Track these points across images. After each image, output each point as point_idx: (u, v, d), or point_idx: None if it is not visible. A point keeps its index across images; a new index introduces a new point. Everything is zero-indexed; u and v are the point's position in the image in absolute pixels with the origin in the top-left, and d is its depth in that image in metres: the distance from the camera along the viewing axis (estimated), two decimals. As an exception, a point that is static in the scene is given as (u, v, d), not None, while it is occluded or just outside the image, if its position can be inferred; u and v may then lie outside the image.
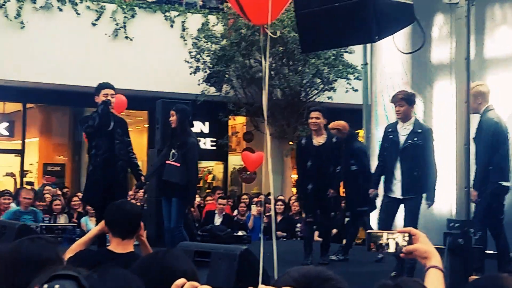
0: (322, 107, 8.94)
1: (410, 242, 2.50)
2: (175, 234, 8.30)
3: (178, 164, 8.31)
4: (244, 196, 14.65)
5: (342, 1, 6.20)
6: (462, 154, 6.30)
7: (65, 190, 15.08)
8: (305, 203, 8.83)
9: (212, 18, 16.51)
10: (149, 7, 16.48)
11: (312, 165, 8.31)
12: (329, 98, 15.52)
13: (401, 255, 2.53)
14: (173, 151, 8.40)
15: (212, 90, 15.99)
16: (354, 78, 15.11)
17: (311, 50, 7.84)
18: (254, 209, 13.58)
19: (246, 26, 14.85)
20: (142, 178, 8.48)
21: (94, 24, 15.84)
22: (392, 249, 2.53)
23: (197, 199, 13.96)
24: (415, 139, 7.32)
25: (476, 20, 9.02)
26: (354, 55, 14.58)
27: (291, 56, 15.06)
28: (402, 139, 7.37)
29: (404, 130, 7.40)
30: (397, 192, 7.34)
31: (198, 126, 18.15)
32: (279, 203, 13.70)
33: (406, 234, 2.51)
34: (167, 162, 8.42)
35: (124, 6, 16.13)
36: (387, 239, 2.54)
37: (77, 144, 18.70)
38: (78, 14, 15.70)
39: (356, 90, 14.38)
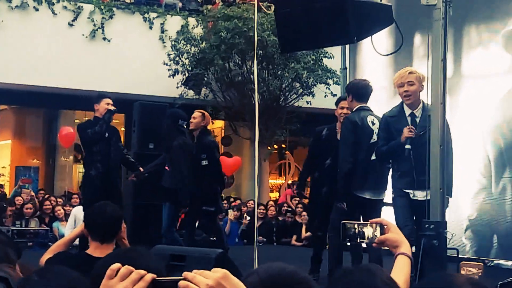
0: None
1: (382, 232, 2.61)
2: (167, 237, 8.36)
3: (168, 168, 8.48)
4: (223, 201, 14.54)
5: (321, 2, 6.15)
6: (437, 155, 6.28)
7: (41, 193, 14.82)
8: (315, 210, 7.62)
9: (192, 21, 16.37)
10: (127, 8, 16.30)
11: (333, 163, 7.15)
12: (308, 103, 15.46)
13: (374, 244, 2.63)
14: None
15: (191, 93, 15.86)
16: (333, 83, 15.05)
17: (290, 51, 7.76)
18: (231, 214, 13.49)
19: (226, 29, 14.75)
20: (141, 168, 8.70)
21: (71, 25, 15.63)
22: (365, 239, 2.64)
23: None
24: None
25: (453, 41, 9.16)
26: (334, 60, 14.53)
27: (271, 60, 14.97)
28: None
29: None
30: None
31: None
32: (261, 207, 13.66)
33: (378, 225, 2.62)
34: (166, 167, 8.59)
35: (102, 7, 15.94)
36: (361, 230, 2.64)
37: (51, 147, 18.44)
38: (55, 14, 15.49)
39: (335, 95, 14.29)
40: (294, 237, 12.85)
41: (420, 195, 6.37)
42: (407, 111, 6.43)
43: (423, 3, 6.51)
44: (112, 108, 8.01)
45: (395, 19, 6.37)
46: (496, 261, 9.00)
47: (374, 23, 6.29)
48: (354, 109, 6.92)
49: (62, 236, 10.52)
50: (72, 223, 10.97)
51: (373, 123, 6.83)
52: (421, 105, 6.44)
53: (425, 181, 6.19)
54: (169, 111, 8.91)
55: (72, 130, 14.34)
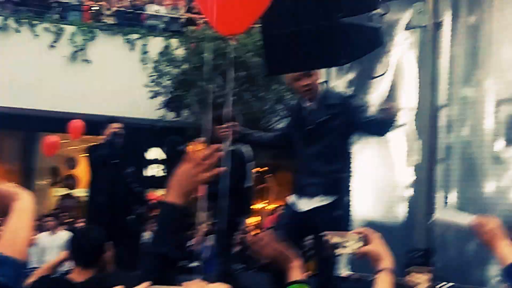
0: None
1: (365, 243, 2.51)
2: None
3: None
4: (203, 225, 14.33)
5: (310, 24, 6.06)
6: (425, 179, 6.20)
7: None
8: None
9: (174, 42, 16.28)
10: (109, 29, 16.19)
11: None
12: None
13: (356, 257, 2.54)
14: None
15: (172, 115, 15.71)
16: (317, 105, 14.97)
17: (276, 73, 7.66)
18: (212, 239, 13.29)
19: (208, 50, 14.63)
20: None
21: (52, 46, 15.49)
22: (348, 250, 2.54)
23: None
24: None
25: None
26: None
27: (254, 81, 14.87)
28: None
29: None
30: None
31: (157, 152, 17.82)
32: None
33: (361, 235, 2.52)
34: None
35: (84, 28, 15.81)
36: (343, 240, 2.54)
37: (30, 170, 18.16)
38: (36, 35, 15.36)
39: (318, 117, 14.25)
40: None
41: (304, 205, 5.22)
42: (307, 104, 5.42)
43: (412, 25, 6.47)
44: (117, 130, 7.94)
45: (385, 42, 6.30)
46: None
47: (363, 45, 6.22)
48: None
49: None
50: (38, 251, 10.65)
51: None
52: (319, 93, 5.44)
53: (313, 186, 5.12)
54: (167, 138, 8.83)
55: (57, 138, 14.05)
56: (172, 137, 9.02)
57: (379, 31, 6.11)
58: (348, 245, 2.53)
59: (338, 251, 2.54)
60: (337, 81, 10.42)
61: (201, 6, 5.26)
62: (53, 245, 10.88)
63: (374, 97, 8.46)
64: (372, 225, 7.58)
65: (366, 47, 6.22)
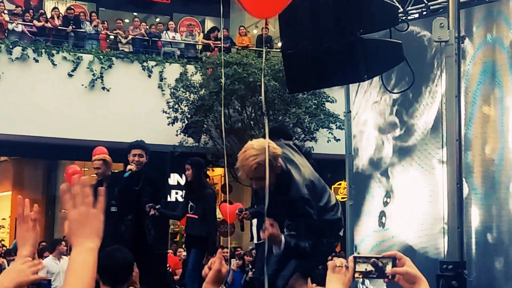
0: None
1: (394, 265, 2.36)
2: (186, 283, 8.46)
3: (196, 216, 8.42)
4: (225, 250, 14.25)
5: (330, 41, 6.05)
6: (454, 193, 6.11)
7: (42, 244, 14.51)
8: None
9: (191, 68, 16.37)
10: (126, 57, 16.33)
11: None
12: (310, 148, 15.30)
13: (385, 280, 2.36)
14: (191, 203, 8.50)
15: (190, 140, 15.74)
16: (336, 128, 14.93)
17: (298, 91, 7.62)
18: (234, 263, 13.23)
19: (225, 75, 14.70)
20: (157, 207, 8.17)
21: (70, 75, 15.62)
22: (377, 273, 2.41)
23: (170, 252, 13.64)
24: None
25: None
26: (336, 104, 14.44)
27: (271, 105, 14.87)
28: None
29: None
30: None
31: (175, 178, 17.82)
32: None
33: (391, 258, 2.37)
34: (187, 215, 8.56)
35: (101, 57, 15.95)
36: (372, 263, 2.42)
37: (51, 198, 18.23)
38: (54, 65, 15.50)
39: (338, 140, 14.21)
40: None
41: None
42: None
43: (434, 39, 6.42)
44: (132, 167, 7.72)
45: (405, 57, 6.26)
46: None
47: (384, 61, 6.21)
48: None
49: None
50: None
51: None
52: None
53: None
54: (194, 160, 8.78)
55: (78, 168, 14.10)
56: (196, 158, 8.99)
57: (400, 47, 6.10)
58: (377, 268, 2.40)
59: (370, 274, 2.41)
60: (382, 97, 10.38)
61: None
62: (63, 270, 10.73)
63: (420, 124, 8.42)
64: (410, 252, 7.49)
65: (388, 63, 6.22)
